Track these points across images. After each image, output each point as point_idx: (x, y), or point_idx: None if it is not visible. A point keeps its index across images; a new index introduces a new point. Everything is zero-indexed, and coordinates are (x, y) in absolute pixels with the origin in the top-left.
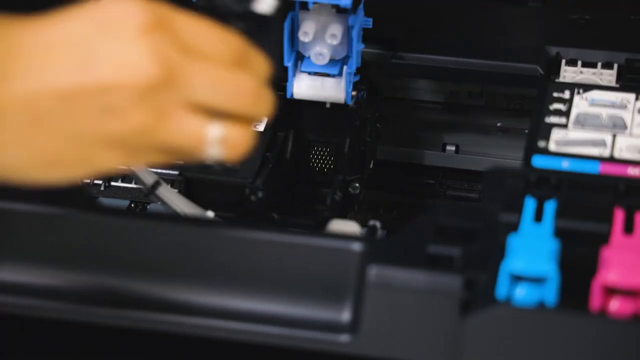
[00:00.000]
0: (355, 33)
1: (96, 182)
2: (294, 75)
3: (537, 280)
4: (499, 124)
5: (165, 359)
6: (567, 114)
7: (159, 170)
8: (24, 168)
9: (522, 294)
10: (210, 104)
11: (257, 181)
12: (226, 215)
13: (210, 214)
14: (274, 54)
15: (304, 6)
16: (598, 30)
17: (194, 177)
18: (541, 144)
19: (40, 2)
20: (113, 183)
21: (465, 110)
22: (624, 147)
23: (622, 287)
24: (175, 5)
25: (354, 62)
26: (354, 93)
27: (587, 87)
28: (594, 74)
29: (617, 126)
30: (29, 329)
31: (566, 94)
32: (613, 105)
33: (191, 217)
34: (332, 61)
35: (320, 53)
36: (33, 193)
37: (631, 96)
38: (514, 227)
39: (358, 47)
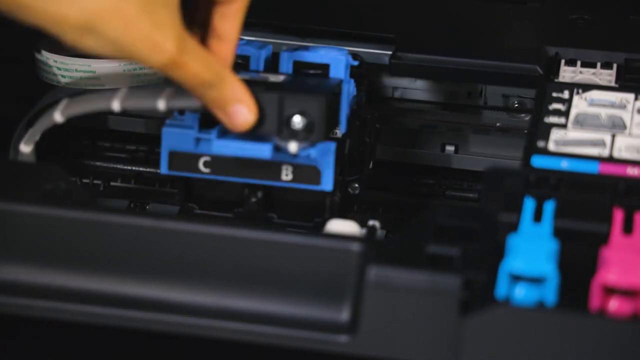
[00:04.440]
0: (345, 103)
1: (95, 182)
2: None
3: (537, 280)
4: (498, 124)
5: (164, 359)
6: (566, 114)
7: (158, 171)
8: None
9: (522, 293)
10: None
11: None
12: (225, 216)
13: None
14: None
15: None
16: (597, 30)
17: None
18: (540, 144)
19: None
20: (112, 183)
21: (465, 110)
22: (623, 147)
23: (621, 287)
24: None
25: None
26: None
27: (586, 87)
28: (593, 74)
29: (617, 126)
30: (29, 329)
31: (565, 94)
32: (612, 105)
33: (190, 217)
34: None
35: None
36: (33, 193)
37: (630, 96)
38: (513, 227)
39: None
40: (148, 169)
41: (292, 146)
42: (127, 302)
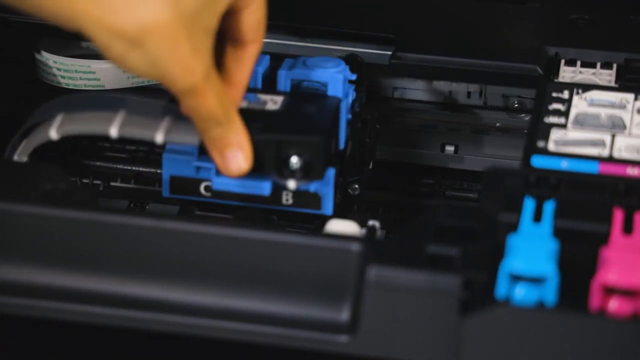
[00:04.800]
0: (344, 114)
1: (95, 182)
2: None
3: (537, 280)
4: (497, 124)
5: (164, 359)
6: (566, 114)
7: (158, 171)
8: None
9: (522, 293)
10: None
11: None
12: (226, 217)
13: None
14: None
15: None
16: (597, 30)
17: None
18: (540, 144)
19: None
20: (112, 183)
21: (464, 110)
22: (623, 147)
23: (621, 287)
24: None
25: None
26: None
27: (586, 87)
28: (593, 74)
29: (616, 126)
30: (29, 329)
31: (565, 94)
32: (612, 105)
33: (191, 217)
34: None
35: None
36: (32, 194)
37: (630, 96)
38: (513, 227)
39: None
40: (148, 169)
41: (291, 184)
42: (127, 302)
